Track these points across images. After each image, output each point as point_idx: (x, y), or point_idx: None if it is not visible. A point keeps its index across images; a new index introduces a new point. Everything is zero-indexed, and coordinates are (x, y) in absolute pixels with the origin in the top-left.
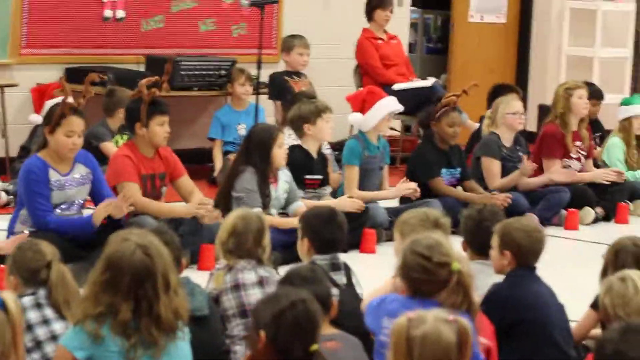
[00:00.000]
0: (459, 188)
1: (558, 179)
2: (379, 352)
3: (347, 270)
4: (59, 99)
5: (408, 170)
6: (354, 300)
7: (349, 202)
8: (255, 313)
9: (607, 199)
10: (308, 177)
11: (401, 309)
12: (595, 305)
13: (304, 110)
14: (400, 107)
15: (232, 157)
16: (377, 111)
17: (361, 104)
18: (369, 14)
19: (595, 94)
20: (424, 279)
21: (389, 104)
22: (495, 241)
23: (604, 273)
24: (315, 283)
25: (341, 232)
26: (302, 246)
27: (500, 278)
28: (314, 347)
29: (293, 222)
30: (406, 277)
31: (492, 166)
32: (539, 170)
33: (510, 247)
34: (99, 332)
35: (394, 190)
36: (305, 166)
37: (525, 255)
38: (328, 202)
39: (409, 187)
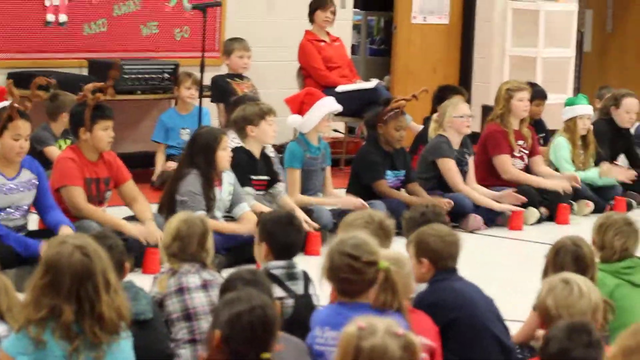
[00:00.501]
0: (403, 190)
1: (508, 201)
2: None
3: (307, 281)
4: (5, 103)
5: (352, 171)
6: (308, 310)
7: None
8: (215, 311)
9: (551, 199)
10: (254, 178)
11: (334, 316)
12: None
13: (248, 112)
14: (338, 107)
15: (171, 163)
16: (316, 112)
17: (299, 106)
18: (311, 15)
19: (539, 94)
20: (353, 279)
21: (328, 104)
22: (411, 250)
23: (545, 273)
24: (256, 285)
25: (299, 236)
26: (260, 250)
27: None
28: (266, 355)
29: (234, 227)
30: (334, 278)
31: (450, 166)
32: (486, 171)
33: (426, 254)
34: (41, 337)
35: (340, 200)
36: (249, 167)
37: (442, 259)
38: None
39: (355, 203)
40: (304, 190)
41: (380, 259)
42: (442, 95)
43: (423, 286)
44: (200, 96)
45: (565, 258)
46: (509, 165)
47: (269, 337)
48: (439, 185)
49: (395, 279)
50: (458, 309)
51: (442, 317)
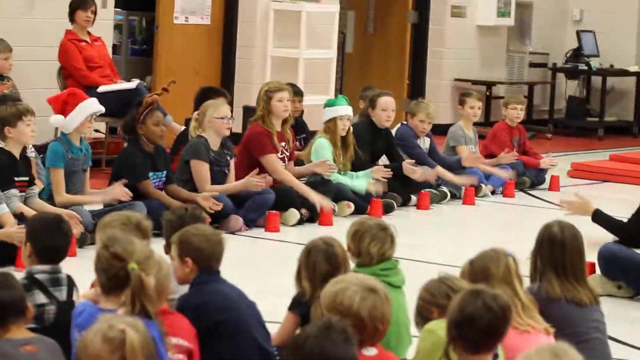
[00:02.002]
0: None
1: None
2: None
3: (70, 286)
4: None
5: (114, 173)
6: (70, 316)
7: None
8: None
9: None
10: (16, 179)
11: (91, 320)
12: (293, 307)
13: (5, 113)
14: (101, 109)
15: None
16: (78, 113)
17: (62, 106)
18: (71, 15)
19: (296, 92)
20: (103, 270)
21: (91, 106)
22: (174, 251)
23: (299, 274)
24: (7, 288)
25: (65, 240)
26: (25, 251)
27: None
28: None
29: None
30: (96, 270)
31: (202, 168)
32: (247, 172)
33: (190, 254)
34: None
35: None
36: (10, 169)
37: (206, 259)
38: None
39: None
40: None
41: (133, 260)
42: (204, 96)
43: (185, 288)
44: None
45: (317, 257)
46: (278, 164)
47: None
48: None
49: (145, 282)
50: (223, 312)
51: (207, 319)
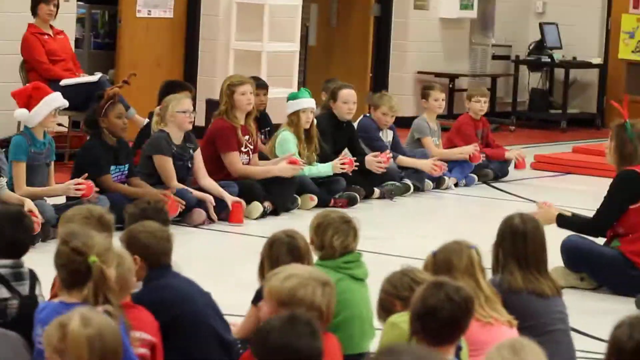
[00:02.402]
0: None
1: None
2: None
3: (33, 281)
4: None
5: (76, 166)
6: (33, 310)
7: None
8: None
9: (276, 194)
10: None
11: (54, 315)
12: (255, 301)
13: None
14: (65, 103)
15: None
16: (42, 107)
17: (27, 100)
18: (34, 8)
19: (259, 85)
20: (63, 265)
21: (55, 100)
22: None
23: (262, 267)
24: None
25: (27, 235)
26: None
27: None
28: None
29: None
30: (57, 266)
31: (166, 164)
32: (213, 165)
33: (138, 251)
34: None
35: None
36: None
37: (155, 255)
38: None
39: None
40: (28, 185)
41: (93, 253)
42: (168, 90)
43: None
44: None
45: (279, 250)
46: (237, 163)
47: None
48: (161, 180)
49: (107, 274)
50: (178, 306)
51: (164, 315)
